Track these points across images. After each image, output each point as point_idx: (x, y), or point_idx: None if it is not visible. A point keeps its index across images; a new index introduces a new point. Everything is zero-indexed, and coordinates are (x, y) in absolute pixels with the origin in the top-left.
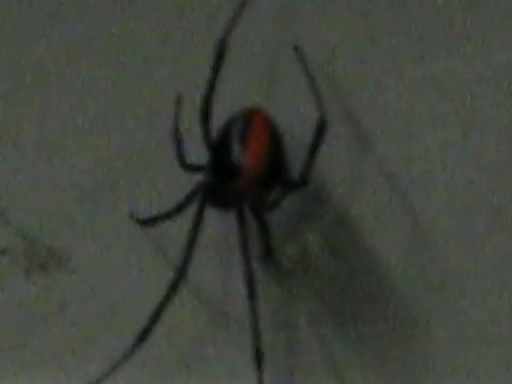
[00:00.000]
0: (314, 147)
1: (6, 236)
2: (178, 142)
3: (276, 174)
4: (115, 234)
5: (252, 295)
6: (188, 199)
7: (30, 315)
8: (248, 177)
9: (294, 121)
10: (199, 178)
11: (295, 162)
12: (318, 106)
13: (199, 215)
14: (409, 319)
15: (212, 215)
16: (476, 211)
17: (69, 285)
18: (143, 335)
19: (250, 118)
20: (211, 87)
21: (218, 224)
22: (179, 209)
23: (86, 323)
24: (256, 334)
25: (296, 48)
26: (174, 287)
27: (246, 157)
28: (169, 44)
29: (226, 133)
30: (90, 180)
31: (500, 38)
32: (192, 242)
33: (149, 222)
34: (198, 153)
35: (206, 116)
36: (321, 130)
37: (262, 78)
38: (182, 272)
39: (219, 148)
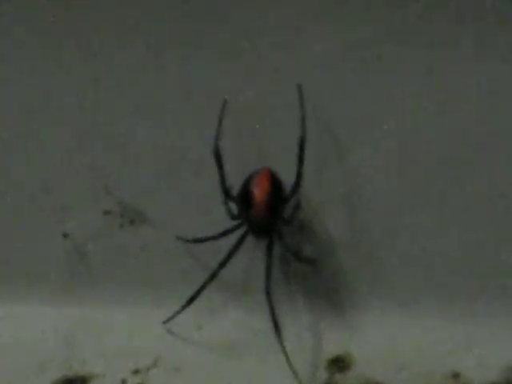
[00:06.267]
0: (300, 157)
1: (108, 203)
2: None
3: (279, 200)
4: (182, 202)
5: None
6: (233, 229)
7: (120, 252)
8: (259, 203)
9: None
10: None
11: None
12: (302, 128)
13: (242, 239)
14: None
15: None
16: None
17: (147, 234)
18: (191, 300)
19: (257, 171)
20: (222, 180)
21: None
22: (224, 234)
23: (160, 261)
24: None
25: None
26: (212, 276)
27: (257, 193)
28: None
29: (245, 183)
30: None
31: None
32: (230, 255)
33: (197, 240)
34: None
35: (226, 194)
36: (302, 144)
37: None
38: (220, 268)
39: (242, 193)
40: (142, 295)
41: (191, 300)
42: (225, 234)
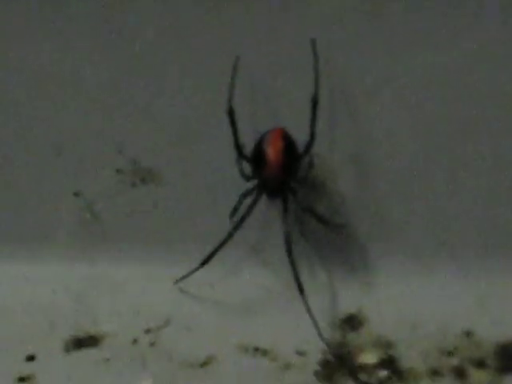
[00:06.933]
0: (313, 115)
1: (120, 161)
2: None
3: (292, 159)
4: (194, 160)
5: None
6: (248, 192)
7: (132, 211)
8: (272, 161)
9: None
10: None
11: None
12: (315, 85)
13: (256, 200)
14: None
15: None
16: None
17: (159, 192)
18: (205, 261)
19: (271, 131)
20: (236, 138)
21: None
22: (241, 200)
23: (171, 217)
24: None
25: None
26: (227, 238)
27: (270, 152)
28: None
29: (258, 143)
30: (181, 125)
31: None
32: (245, 216)
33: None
34: None
35: (240, 153)
36: (315, 102)
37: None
38: (234, 230)
39: (256, 152)
40: (153, 254)
41: (205, 261)
42: (242, 199)
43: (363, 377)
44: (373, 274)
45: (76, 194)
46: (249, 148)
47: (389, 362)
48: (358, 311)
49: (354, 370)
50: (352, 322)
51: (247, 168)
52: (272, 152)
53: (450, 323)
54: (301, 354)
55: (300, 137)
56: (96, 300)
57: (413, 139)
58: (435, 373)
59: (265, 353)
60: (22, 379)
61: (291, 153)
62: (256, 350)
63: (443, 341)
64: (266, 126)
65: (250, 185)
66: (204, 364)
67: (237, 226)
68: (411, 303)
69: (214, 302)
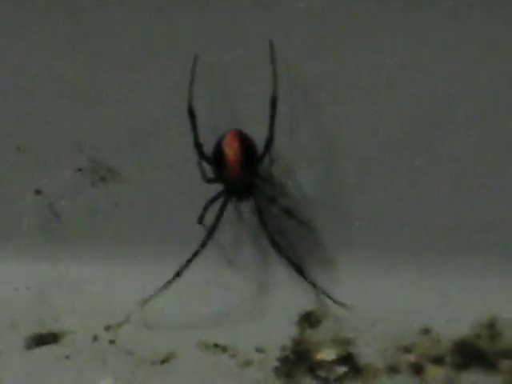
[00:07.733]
0: (272, 114)
1: (80, 160)
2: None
3: (251, 158)
4: (153, 159)
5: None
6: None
7: (93, 209)
8: (231, 162)
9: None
10: None
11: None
12: (273, 84)
13: (224, 207)
14: None
15: None
16: None
17: (120, 192)
18: (178, 274)
19: (226, 132)
20: (196, 138)
21: None
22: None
23: (132, 216)
24: None
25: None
26: (202, 245)
27: (228, 152)
28: None
29: (217, 145)
30: (142, 124)
31: None
32: (215, 226)
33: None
34: None
35: (200, 153)
36: (274, 100)
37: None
38: (207, 238)
39: (215, 155)
40: (114, 252)
41: (179, 273)
42: (209, 205)
43: (322, 373)
44: (332, 271)
45: (37, 193)
46: (209, 148)
47: (347, 359)
48: (316, 308)
49: (312, 366)
50: (311, 319)
51: (209, 171)
52: (230, 153)
53: (409, 320)
54: (260, 350)
55: (261, 136)
56: (57, 297)
57: (375, 137)
58: (393, 369)
59: (224, 349)
60: None
61: (249, 152)
62: (216, 346)
63: (401, 338)
64: (226, 126)
65: (212, 187)
66: (164, 361)
67: (209, 235)
68: (370, 300)
69: (174, 299)
